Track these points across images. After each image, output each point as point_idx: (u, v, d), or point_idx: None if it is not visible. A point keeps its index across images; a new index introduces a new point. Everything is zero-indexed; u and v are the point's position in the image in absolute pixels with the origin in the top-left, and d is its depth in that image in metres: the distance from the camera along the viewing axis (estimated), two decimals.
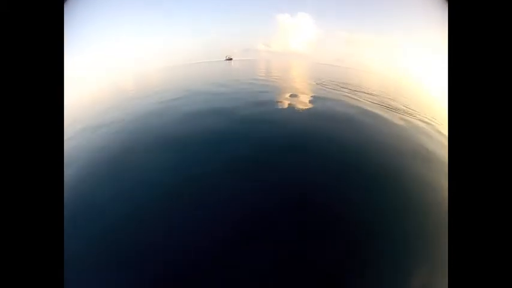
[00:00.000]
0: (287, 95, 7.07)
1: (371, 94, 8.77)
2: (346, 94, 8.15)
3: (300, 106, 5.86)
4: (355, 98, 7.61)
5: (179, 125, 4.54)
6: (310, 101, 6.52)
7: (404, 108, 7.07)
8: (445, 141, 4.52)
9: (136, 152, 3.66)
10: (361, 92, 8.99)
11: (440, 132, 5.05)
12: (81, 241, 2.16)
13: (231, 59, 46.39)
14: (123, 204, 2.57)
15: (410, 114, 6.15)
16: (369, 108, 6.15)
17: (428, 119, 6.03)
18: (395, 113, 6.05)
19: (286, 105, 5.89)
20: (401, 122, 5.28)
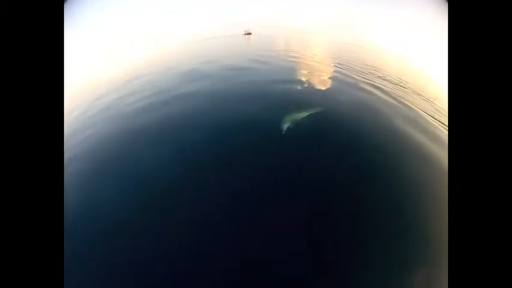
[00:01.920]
0: (304, 75, 7.04)
1: (387, 80, 8.70)
2: (363, 77, 8.16)
3: (316, 88, 5.85)
4: (369, 81, 7.60)
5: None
6: (327, 83, 6.49)
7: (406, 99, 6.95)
8: (444, 141, 4.50)
9: (142, 141, 3.70)
10: (378, 76, 8.98)
11: (440, 132, 5.03)
12: (80, 240, 2.17)
13: (250, 34, 45.69)
14: (124, 203, 2.57)
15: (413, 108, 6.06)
16: (385, 95, 6.13)
17: (428, 116, 5.98)
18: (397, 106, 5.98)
19: (301, 87, 5.87)
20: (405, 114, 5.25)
